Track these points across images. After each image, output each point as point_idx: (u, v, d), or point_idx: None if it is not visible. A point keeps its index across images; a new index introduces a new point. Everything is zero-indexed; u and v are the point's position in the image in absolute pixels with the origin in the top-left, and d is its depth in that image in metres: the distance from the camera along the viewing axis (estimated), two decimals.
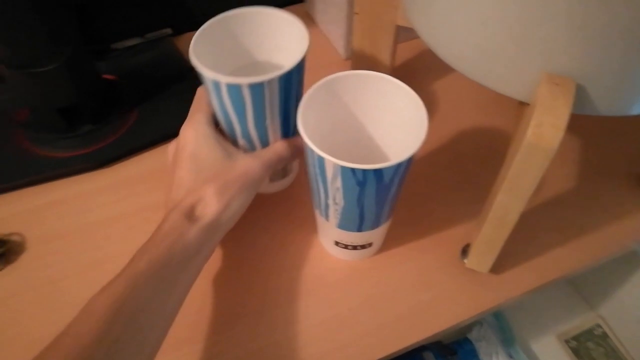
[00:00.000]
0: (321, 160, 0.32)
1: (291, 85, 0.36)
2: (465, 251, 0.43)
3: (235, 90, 0.34)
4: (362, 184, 0.33)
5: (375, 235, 0.41)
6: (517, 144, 0.32)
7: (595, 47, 0.28)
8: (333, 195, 0.35)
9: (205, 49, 0.36)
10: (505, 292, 0.42)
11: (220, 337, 0.40)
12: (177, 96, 0.55)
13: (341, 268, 0.43)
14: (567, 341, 0.63)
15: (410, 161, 0.33)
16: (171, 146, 0.40)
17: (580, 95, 0.30)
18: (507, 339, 0.61)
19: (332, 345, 0.39)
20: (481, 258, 0.41)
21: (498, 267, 0.43)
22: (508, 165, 0.33)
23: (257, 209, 0.46)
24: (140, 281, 0.31)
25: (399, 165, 0.32)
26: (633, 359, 0.61)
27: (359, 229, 0.39)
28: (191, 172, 0.36)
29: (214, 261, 0.44)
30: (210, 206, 0.35)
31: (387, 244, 0.44)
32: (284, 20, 0.38)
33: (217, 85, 0.35)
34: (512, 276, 0.43)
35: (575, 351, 0.62)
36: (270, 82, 0.34)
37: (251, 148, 0.40)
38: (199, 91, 0.41)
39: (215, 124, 0.39)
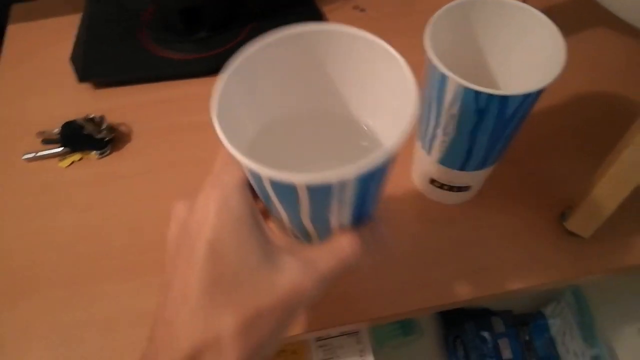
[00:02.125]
0: (443, 79, 0.30)
1: (374, 182, 0.23)
2: (564, 214, 0.41)
3: (284, 188, 0.22)
4: (482, 113, 0.31)
5: (476, 179, 0.39)
6: None
7: None
8: (445, 124, 0.34)
9: (230, 105, 0.25)
10: (601, 263, 0.40)
11: None
12: (292, 19, 0.54)
13: (431, 208, 0.42)
14: None
15: (537, 96, 0.31)
16: (178, 211, 0.25)
17: None
18: (584, 322, 0.58)
19: (414, 281, 0.39)
20: (585, 221, 0.38)
21: (600, 236, 0.40)
22: None
23: None
24: None
25: (527, 96, 0.30)
26: None
27: (462, 167, 0.37)
28: (204, 279, 0.22)
29: None
30: (225, 356, 0.21)
31: (484, 192, 0.43)
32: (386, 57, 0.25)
33: (256, 176, 0.22)
34: (611, 248, 0.40)
35: None
36: (341, 183, 0.21)
37: (303, 238, 0.28)
38: (221, 150, 0.25)
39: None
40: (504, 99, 0.30)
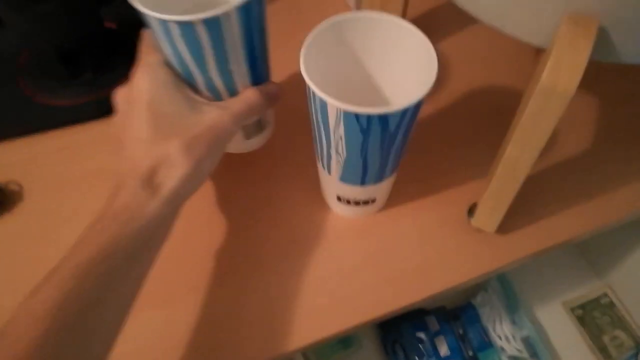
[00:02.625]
0: (324, 104, 0.30)
1: (253, 19, 0.32)
2: (472, 210, 0.42)
3: (188, 30, 0.29)
4: (366, 132, 0.31)
5: (379, 191, 0.40)
6: (531, 90, 0.30)
7: None
8: (336, 145, 0.34)
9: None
10: (510, 253, 0.41)
11: (218, 290, 0.39)
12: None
13: (343, 224, 0.42)
14: (572, 309, 0.62)
15: (417, 108, 0.31)
16: (120, 95, 0.33)
17: (603, 39, 0.28)
18: (511, 305, 0.60)
19: (331, 300, 0.38)
20: (488, 216, 0.40)
21: (505, 228, 0.42)
22: (520, 114, 0.31)
23: (239, 169, 0.45)
24: (90, 272, 0.26)
25: (405, 111, 0.30)
26: (639, 328, 0.60)
27: (362, 183, 0.37)
28: (149, 125, 0.30)
29: (207, 226, 0.43)
30: (176, 167, 0.29)
31: (392, 201, 0.43)
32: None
33: (166, 27, 0.29)
34: (518, 237, 0.42)
35: (580, 319, 0.61)
36: (226, 15, 0.29)
37: (217, 99, 0.35)
38: (147, 33, 0.34)
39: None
40: (383, 117, 0.30)
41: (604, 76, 0.52)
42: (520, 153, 0.32)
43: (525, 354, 0.57)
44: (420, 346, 0.57)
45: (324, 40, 0.33)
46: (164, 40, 0.31)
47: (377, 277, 0.40)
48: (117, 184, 0.30)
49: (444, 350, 0.56)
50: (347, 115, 0.30)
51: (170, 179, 0.29)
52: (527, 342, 0.58)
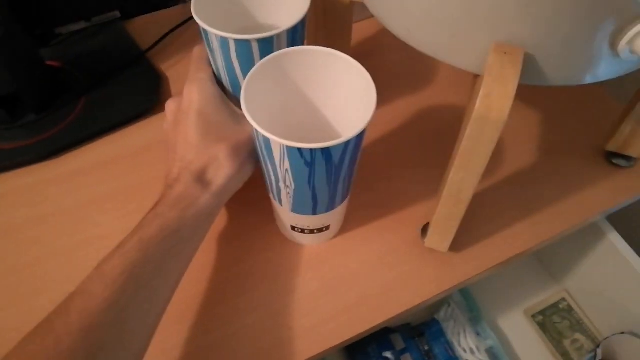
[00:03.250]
0: (267, 141, 0.31)
1: (297, 40, 0.37)
2: (425, 230, 0.42)
3: (244, 47, 0.35)
4: (310, 165, 0.31)
5: (332, 218, 0.40)
6: (468, 118, 0.31)
7: (543, 16, 0.28)
8: (283, 178, 0.34)
9: (204, 9, 0.35)
10: (466, 270, 0.42)
11: (180, 327, 0.38)
12: (127, 82, 0.53)
13: (300, 252, 0.42)
14: (533, 316, 0.63)
15: (359, 139, 0.32)
16: (171, 106, 0.38)
17: (530, 65, 0.30)
18: (474, 317, 0.61)
19: (294, 331, 0.38)
20: (439, 237, 0.40)
21: (460, 245, 0.43)
22: (460, 140, 0.32)
23: None
24: (151, 247, 0.30)
25: (347, 143, 0.30)
26: (597, 330, 0.62)
27: (314, 212, 0.37)
28: (199, 131, 0.34)
29: None
30: (223, 168, 0.34)
31: (347, 226, 0.43)
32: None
33: (225, 43, 0.35)
34: (473, 254, 0.43)
35: (541, 325, 0.63)
36: (279, 36, 0.35)
37: None
38: (197, 51, 0.39)
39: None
40: (326, 150, 0.30)
41: (538, 94, 0.54)
42: (462, 176, 0.33)
43: None
44: None
45: (265, 74, 0.34)
46: (220, 54, 0.36)
47: (337, 303, 0.40)
48: (170, 180, 0.34)
49: None
50: (290, 150, 0.30)
51: (219, 177, 0.34)
52: (491, 352, 0.58)
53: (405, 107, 0.52)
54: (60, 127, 0.49)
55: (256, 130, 0.31)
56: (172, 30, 0.58)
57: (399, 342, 0.58)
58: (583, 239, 0.58)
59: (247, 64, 0.35)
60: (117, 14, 0.57)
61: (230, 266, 0.41)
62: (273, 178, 0.35)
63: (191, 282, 0.40)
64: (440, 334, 0.59)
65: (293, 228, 0.40)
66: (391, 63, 0.57)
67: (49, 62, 0.53)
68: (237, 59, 0.36)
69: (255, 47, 0.35)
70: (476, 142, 0.30)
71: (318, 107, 0.38)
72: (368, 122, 0.31)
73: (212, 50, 0.37)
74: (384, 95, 0.52)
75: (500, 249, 0.43)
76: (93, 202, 0.45)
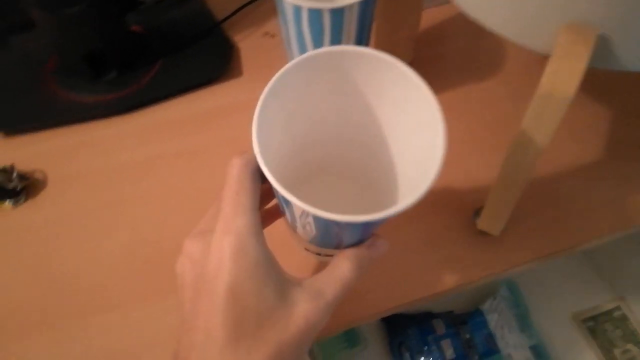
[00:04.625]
0: (286, 200, 0.24)
1: (367, 16, 0.37)
2: (478, 213, 0.42)
3: (316, 16, 0.36)
4: (339, 227, 0.25)
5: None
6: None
7: None
8: (303, 225, 0.28)
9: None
10: (515, 258, 0.42)
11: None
12: (201, 50, 0.55)
13: None
14: (583, 321, 0.61)
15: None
16: (193, 250, 0.26)
17: (604, 47, 0.29)
18: (520, 313, 0.60)
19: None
20: (492, 219, 0.40)
21: (511, 232, 0.42)
22: (522, 119, 0.32)
23: None
24: None
25: (385, 218, 0.23)
26: None
27: (337, 247, 0.30)
28: (227, 322, 0.23)
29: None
30: None
31: None
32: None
33: (298, 11, 0.36)
34: (524, 242, 0.42)
35: (591, 331, 0.61)
36: (351, 8, 0.35)
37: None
38: (239, 169, 0.26)
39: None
40: (363, 223, 0.24)
41: (621, 86, 0.52)
42: (521, 157, 0.33)
43: None
44: (426, 348, 0.57)
45: (288, 85, 0.27)
46: (293, 22, 0.37)
47: (381, 277, 0.41)
48: None
49: (449, 353, 0.56)
50: (317, 218, 0.24)
51: None
52: (535, 350, 0.57)
53: (470, 94, 0.52)
54: (138, 86, 0.52)
55: (275, 188, 0.24)
56: (247, 4, 0.60)
57: (441, 328, 0.58)
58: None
59: (318, 35, 0.37)
60: None
61: None
62: (289, 217, 0.29)
63: None
64: (483, 325, 0.59)
65: (307, 249, 0.34)
66: (457, 51, 0.56)
67: (132, 27, 0.56)
68: (309, 28, 0.37)
69: (326, 17, 0.36)
70: (538, 120, 0.30)
71: (359, 121, 0.31)
72: (432, 181, 0.24)
73: (285, 21, 0.38)
74: (448, 81, 0.52)
75: (552, 240, 0.42)
76: (162, 157, 0.48)
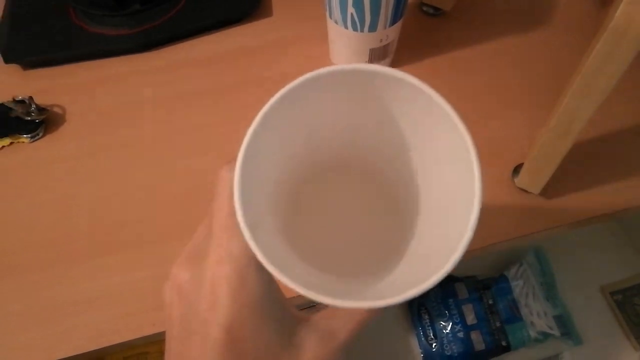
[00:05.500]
0: None
1: None
2: (517, 171, 0.40)
3: None
4: None
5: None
6: (600, 33, 0.27)
7: None
8: None
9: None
10: (553, 218, 0.39)
11: None
12: None
13: None
14: (611, 294, 0.59)
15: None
16: (179, 281, 0.21)
17: None
18: (546, 282, 0.58)
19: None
20: (534, 176, 0.37)
21: (550, 191, 0.40)
22: (585, 59, 0.29)
23: None
24: None
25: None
26: None
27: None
28: None
29: None
30: None
31: None
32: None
33: None
34: (563, 203, 0.40)
35: (619, 305, 0.58)
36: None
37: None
38: (228, 185, 0.20)
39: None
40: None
41: None
42: (579, 103, 0.30)
43: (556, 332, 0.55)
44: (447, 312, 0.55)
45: (282, 115, 0.21)
46: None
47: None
48: None
49: (470, 318, 0.55)
50: None
51: None
52: (559, 320, 0.55)
53: (517, 46, 0.48)
54: (163, 19, 0.49)
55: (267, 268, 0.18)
56: None
57: (463, 292, 0.57)
58: None
59: None
60: None
61: None
62: None
63: None
64: (508, 291, 0.57)
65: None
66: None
67: None
68: None
69: None
70: (606, 59, 0.27)
71: (368, 141, 0.25)
72: (468, 240, 0.18)
73: None
74: (492, 32, 0.49)
75: (592, 204, 0.40)
76: (186, 95, 0.46)
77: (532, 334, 0.55)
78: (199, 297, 0.20)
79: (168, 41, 0.49)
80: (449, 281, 0.58)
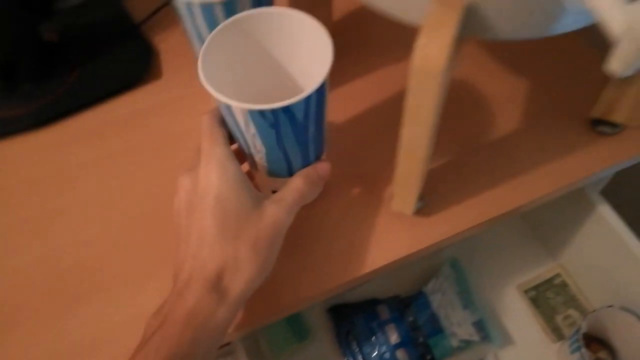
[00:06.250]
0: (229, 108, 0.31)
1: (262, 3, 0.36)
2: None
3: (209, 12, 0.35)
4: (276, 126, 0.32)
5: None
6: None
7: None
8: (253, 144, 0.34)
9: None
10: (435, 234, 0.42)
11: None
12: (120, 54, 0.55)
13: None
14: (526, 291, 0.62)
15: (320, 93, 0.32)
16: (185, 183, 0.33)
17: (476, 15, 0.29)
18: (463, 290, 0.60)
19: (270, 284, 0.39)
20: (403, 199, 0.40)
21: (432, 209, 0.43)
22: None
23: None
24: None
25: (307, 99, 0.31)
26: (592, 305, 0.61)
27: (290, 173, 0.38)
28: (216, 223, 0.30)
29: None
30: (243, 271, 0.30)
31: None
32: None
33: (189, 9, 0.35)
34: (445, 217, 0.43)
35: (534, 301, 0.62)
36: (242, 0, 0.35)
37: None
38: (207, 120, 0.34)
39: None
40: (287, 109, 0.31)
41: (523, 58, 0.52)
42: (414, 132, 0.33)
43: (476, 337, 0.57)
44: (372, 335, 0.57)
45: (224, 40, 0.34)
46: (188, 20, 0.37)
47: (302, 262, 0.41)
48: (180, 283, 0.30)
49: (394, 337, 0.57)
50: (253, 114, 0.31)
51: (238, 282, 0.30)
52: (478, 325, 0.58)
53: (391, 77, 0.52)
54: (54, 96, 0.51)
55: (217, 99, 0.31)
56: (165, 5, 0.59)
57: (385, 313, 0.59)
58: (575, 213, 0.56)
59: (213, 29, 0.37)
60: None
61: None
62: (244, 145, 0.36)
63: None
64: (427, 305, 0.59)
65: (274, 192, 0.40)
66: (376, 35, 0.56)
67: (47, 34, 0.55)
68: (205, 23, 0.37)
69: (219, 11, 0.35)
70: (419, 95, 0.30)
71: (283, 69, 0.38)
72: (325, 76, 0.31)
73: (182, 19, 0.38)
74: (367, 64, 0.53)
75: (473, 213, 0.43)
76: (81, 167, 0.47)
77: (455, 343, 0.57)
78: (197, 185, 0.32)
79: (61, 116, 0.50)
80: (372, 304, 0.60)
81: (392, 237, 0.42)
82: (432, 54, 0.28)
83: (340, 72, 0.51)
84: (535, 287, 0.62)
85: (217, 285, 0.30)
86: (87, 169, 0.47)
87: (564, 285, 0.62)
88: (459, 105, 0.50)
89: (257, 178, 0.41)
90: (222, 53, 0.34)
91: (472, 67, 0.52)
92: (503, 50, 0.53)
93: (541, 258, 0.65)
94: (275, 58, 0.38)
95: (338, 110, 0.49)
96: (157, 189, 0.45)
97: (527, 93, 0.51)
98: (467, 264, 0.64)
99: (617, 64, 0.26)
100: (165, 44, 0.57)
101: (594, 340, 0.57)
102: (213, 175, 0.31)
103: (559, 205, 0.58)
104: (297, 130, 0.33)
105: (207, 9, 0.36)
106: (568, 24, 0.31)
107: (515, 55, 0.53)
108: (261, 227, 0.31)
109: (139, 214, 0.44)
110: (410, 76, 0.29)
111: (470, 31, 0.30)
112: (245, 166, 0.40)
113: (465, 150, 0.47)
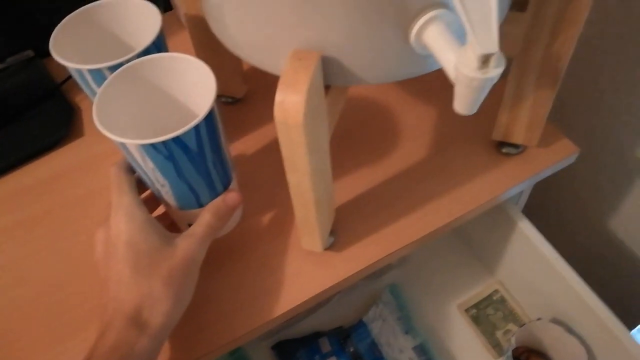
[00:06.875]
0: (124, 146, 0.33)
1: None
2: None
3: (98, 76, 0.37)
4: (171, 158, 0.33)
5: None
6: None
7: (329, 20, 0.29)
8: (155, 178, 0.36)
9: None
10: (347, 268, 0.43)
11: None
12: (41, 116, 0.56)
13: None
14: (467, 310, 0.63)
15: (209, 121, 0.33)
16: (99, 236, 0.36)
17: (332, 66, 0.31)
18: (403, 316, 0.61)
19: (188, 329, 0.40)
20: (310, 238, 0.42)
21: (343, 244, 0.44)
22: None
23: None
24: None
25: (197, 128, 0.32)
26: (529, 318, 0.62)
27: (200, 205, 0.39)
28: (129, 265, 0.33)
29: None
30: (160, 303, 0.33)
31: (234, 230, 0.44)
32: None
33: (81, 74, 0.38)
34: (355, 251, 0.44)
35: (475, 319, 0.63)
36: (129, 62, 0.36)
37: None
38: (115, 171, 0.37)
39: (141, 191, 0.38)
40: (177, 140, 0.32)
41: (428, 90, 0.54)
42: (297, 179, 0.35)
43: None
44: None
45: (120, 86, 0.36)
46: (82, 84, 0.40)
47: (222, 307, 0.41)
48: (103, 325, 0.32)
49: None
50: (146, 148, 0.32)
51: (156, 315, 0.32)
52: (420, 350, 0.59)
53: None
54: None
55: (112, 139, 0.32)
56: None
57: (326, 345, 0.59)
58: (500, 229, 0.58)
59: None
60: (31, 53, 0.60)
61: None
62: (148, 182, 0.37)
63: None
64: (367, 334, 0.60)
65: (189, 225, 0.40)
66: None
67: None
68: (97, 85, 0.38)
69: (109, 74, 0.37)
70: (289, 146, 0.32)
71: (182, 107, 0.39)
72: (210, 105, 0.33)
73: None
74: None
75: (383, 245, 0.44)
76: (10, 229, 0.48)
77: None
78: (110, 233, 0.35)
79: None
80: (314, 338, 0.60)
81: (306, 275, 0.43)
82: (289, 109, 0.30)
83: (251, 114, 0.53)
84: (476, 305, 0.64)
85: (136, 320, 0.32)
86: (6, 234, 0.47)
87: (502, 300, 0.64)
88: (367, 137, 0.51)
89: (172, 214, 0.41)
90: (119, 99, 0.35)
91: (379, 98, 0.54)
92: (407, 81, 0.55)
93: (480, 274, 0.66)
94: (174, 97, 0.39)
95: (249, 142, 0.52)
96: (82, 246, 0.46)
97: (434, 121, 0.53)
98: (407, 287, 0.65)
99: (458, 105, 0.28)
100: (86, 102, 0.58)
101: (534, 353, 0.58)
102: (122, 224, 0.34)
103: (486, 223, 0.60)
104: (194, 161, 0.34)
105: (96, 74, 0.37)
106: (419, 70, 0.33)
107: (423, 85, 0.55)
108: (173, 262, 0.34)
109: (63, 275, 0.45)
110: (277, 130, 0.31)
111: (333, 79, 0.32)
112: (162, 208, 0.41)
113: (375, 182, 0.48)
